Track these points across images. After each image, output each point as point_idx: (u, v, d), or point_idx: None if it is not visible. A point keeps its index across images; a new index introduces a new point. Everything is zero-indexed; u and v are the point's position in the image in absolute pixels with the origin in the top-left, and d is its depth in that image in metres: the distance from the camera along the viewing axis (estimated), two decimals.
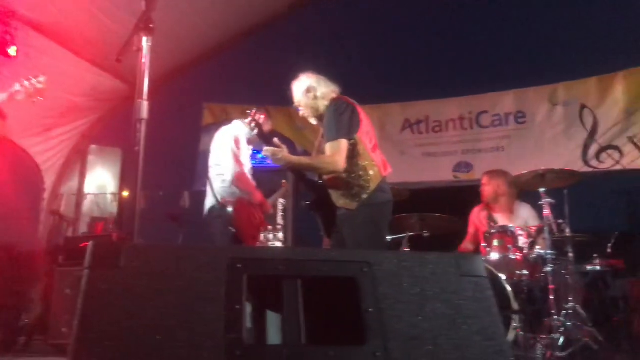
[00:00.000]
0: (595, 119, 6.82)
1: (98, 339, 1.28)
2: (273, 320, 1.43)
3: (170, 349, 1.31)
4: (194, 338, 1.32)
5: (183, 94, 7.29)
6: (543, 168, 4.65)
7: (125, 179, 7.60)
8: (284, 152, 3.34)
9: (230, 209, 4.19)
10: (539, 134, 7.15)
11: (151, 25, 2.49)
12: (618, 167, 6.65)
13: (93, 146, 7.63)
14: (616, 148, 6.67)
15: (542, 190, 4.67)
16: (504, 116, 7.34)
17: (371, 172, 3.37)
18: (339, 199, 3.39)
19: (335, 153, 3.27)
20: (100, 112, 7.33)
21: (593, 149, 6.78)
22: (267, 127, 4.46)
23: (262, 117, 3.82)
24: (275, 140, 3.40)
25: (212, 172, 4.37)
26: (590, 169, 6.73)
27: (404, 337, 1.38)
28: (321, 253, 1.52)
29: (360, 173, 3.34)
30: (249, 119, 3.72)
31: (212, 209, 4.27)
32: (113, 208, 7.47)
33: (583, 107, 6.90)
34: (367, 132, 3.47)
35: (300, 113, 3.70)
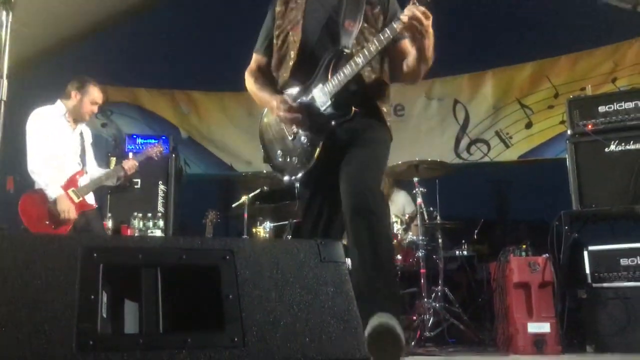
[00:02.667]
0: (467, 114, 7.26)
1: None
2: (131, 310, 1.42)
3: (17, 342, 1.26)
4: (44, 329, 1.27)
5: (59, 72, 6.87)
6: (417, 159, 4.93)
7: None
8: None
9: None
10: (415, 126, 7.48)
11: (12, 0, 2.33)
12: (486, 159, 7.15)
13: None
14: (484, 141, 7.16)
15: (415, 179, 4.95)
16: None
17: None
18: (375, 99, 2.50)
19: None
20: None
21: (464, 141, 7.23)
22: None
23: None
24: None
25: None
26: (461, 161, 7.18)
27: (262, 322, 1.43)
28: (183, 241, 1.52)
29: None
30: None
31: None
32: None
33: (456, 102, 7.33)
34: None
35: None
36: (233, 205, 5.77)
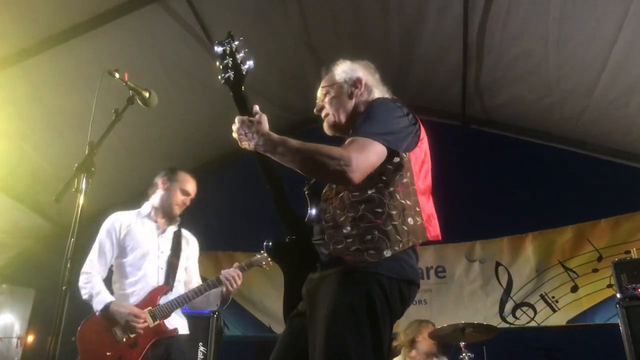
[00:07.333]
0: (510, 276, 7.17)
1: None
2: None
3: None
4: None
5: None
6: (462, 322, 4.82)
7: (34, 322, 7.10)
8: (264, 123, 2.03)
9: None
10: (458, 288, 7.39)
11: (92, 169, 2.56)
12: (533, 324, 6.91)
13: (4, 285, 7.18)
14: (530, 305, 6.97)
15: (462, 344, 4.79)
16: (425, 270, 7.60)
17: (410, 221, 2.05)
18: (333, 242, 2.04)
19: (357, 149, 1.93)
20: (17, 250, 7.03)
21: (509, 305, 7.05)
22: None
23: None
24: (256, 107, 2.08)
25: None
26: (507, 325, 6.94)
27: None
28: None
29: (393, 212, 2.01)
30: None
31: None
32: (17, 354, 6.88)
33: (498, 264, 7.27)
34: (422, 161, 2.22)
35: (316, 109, 2.42)
36: None
